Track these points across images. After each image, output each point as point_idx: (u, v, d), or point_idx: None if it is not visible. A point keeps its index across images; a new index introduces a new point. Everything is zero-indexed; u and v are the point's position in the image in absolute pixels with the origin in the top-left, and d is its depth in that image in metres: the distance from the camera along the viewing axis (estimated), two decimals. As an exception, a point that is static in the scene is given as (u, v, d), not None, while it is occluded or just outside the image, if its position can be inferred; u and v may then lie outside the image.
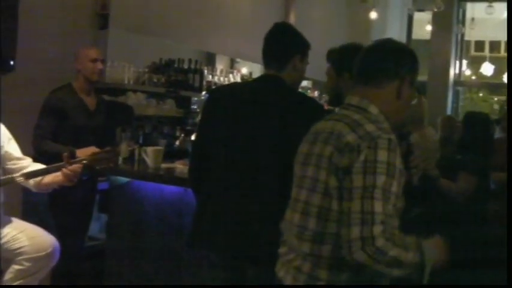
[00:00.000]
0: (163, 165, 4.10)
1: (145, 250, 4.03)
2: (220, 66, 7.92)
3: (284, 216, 2.16)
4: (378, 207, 1.79)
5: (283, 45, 2.76)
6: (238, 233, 2.58)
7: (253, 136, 2.61)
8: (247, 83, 3.36)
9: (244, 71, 8.25)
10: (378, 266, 1.78)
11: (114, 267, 4.22)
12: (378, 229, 1.76)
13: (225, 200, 2.64)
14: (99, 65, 4.32)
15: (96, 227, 4.90)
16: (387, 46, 2.15)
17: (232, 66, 8.60)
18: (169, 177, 3.90)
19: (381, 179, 1.81)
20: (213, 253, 2.79)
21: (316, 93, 8.74)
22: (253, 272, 2.64)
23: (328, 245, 1.93)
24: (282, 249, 2.15)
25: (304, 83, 8.17)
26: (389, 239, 1.76)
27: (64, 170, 3.32)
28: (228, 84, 4.92)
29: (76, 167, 3.33)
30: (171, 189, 3.82)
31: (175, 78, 6.18)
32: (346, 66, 2.79)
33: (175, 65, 6.35)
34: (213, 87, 6.13)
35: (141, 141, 5.33)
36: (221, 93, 2.94)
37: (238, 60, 8.71)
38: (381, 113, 2.03)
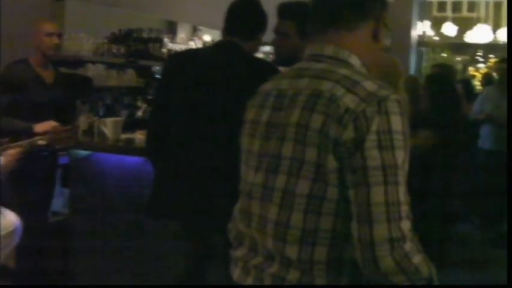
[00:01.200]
0: (123, 136, 4.05)
1: (108, 222, 3.99)
2: (182, 34, 7.82)
3: (239, 208, 1.68)
4: (402, 195, 1.36)
5: (254, 21, 2.79)
6: (198, 201, 2.56)
7: (212, 102, 2.58)
8: (205, 49, 3.32)
9: (207, 38, 8.17)
10: (399, 278, 1.35)
11: (78, 242, 4.18)
12: (406, 226, 1.35)
13: (184, 168, 2.62)
14: (55, 39, 4.26)
15: (59, 202, 4.85)
16: None
17: (194, 34, 8.49)
18: (129, 148, 3.86)
19: (400, 156, 1.37)
20: (174, 222, 2.77)
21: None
22: (216, 239, 2.63)
23: (323, 246, 1.43)
24: (238, 252, 1.66)
25: (267, 48, 8.13)
26: (413, 240, 1.37)
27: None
28: (186, 50, 4.87)
29: (13, 152, 3.27)
30: (132, 160, 3.77)
31: (135, 48, 6.10)
32: (301, 28, 2.77)
33: (135, 35, 6.26)
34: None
35: (102, 112, 5.25)
36: (178, 60, 2.91)
37: (200, 28, 8.61)
38: (363, 65, 1.60)
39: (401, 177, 1.37)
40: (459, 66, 24.75)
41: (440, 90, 4.58)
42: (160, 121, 2.75)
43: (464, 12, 24.59)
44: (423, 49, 14.78)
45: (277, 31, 2.84)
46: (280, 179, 1.49)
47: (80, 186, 4.22)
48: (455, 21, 17.79)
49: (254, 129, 1.63)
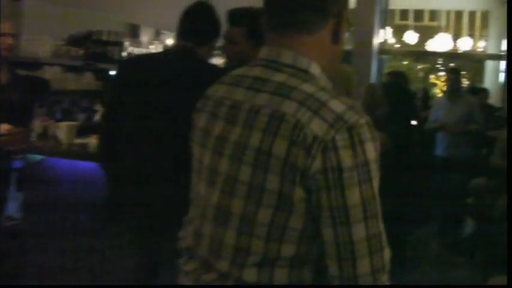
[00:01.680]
0: (77, 141, 3.99)
1: (62, 228, 3.94)
2: (145, 38, 7.78)
3: (190, 219, 1.62)
4: (381, 222, 1.31)
5: (208, 26, 2.77)
6: (151, 207, 2.54)
7: (165, 108, 2.56)
8: (159, 54, 3.30)
9: (171, 42, 8.14)
10: None
11: (32, 247, 4.11)
12: (387, 255, 1.33)
13: (137, 173, 2.60)
14: (8, 40, 4.19)
15: (14, 207, 4.76)
16: None
17: (158, 37, 8.46)
18: (83, 153, 3.81)
19: (377, 183, 1.32)
20: (128, 229, 2.74)
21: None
22: (169, 247, 2.61)
23: (283, 269, 1.36)
24: (188, 266, 1.56)
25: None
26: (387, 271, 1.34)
27: None
28: (139, 55, 4.84)
29: None
30: (86, 165, 3.73)
31: (94, 50, 6.03)
32: (263, 38, 2.79)
33: (94, 37, 6.20)
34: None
35: (59, 116, 5.18)
36: (131, 65, 2.88)
37: (164, 32, 8.58)
38: (322, 73, 1.45)
39: (378, 205, 1.31)
40: (420, 74, 25.24)
41: (395, 98, 4.65)
42: (113, 127, 2.72)
43: (426, 21, 24.99)
44: (384, 57, 14.97)
45: (226, 38, 2.84)
46: (237, 203, 1.38)
47: (33, 190, 4.15)
48: (417, 29, 18.07)
49: (205, 139, 1.51)
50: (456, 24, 25.05)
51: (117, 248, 3.13)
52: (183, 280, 1.56)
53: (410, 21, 23.64)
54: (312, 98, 1.31)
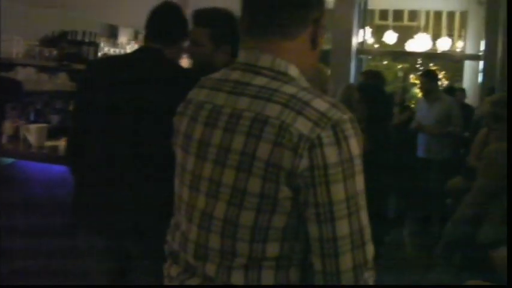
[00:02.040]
0: (48, 143, 3.92)
1: (35, 232, 3.86)
2: (124, 38, 7.70)
3: (175, 224, 1.62)
4: (365, 218, 1.34)
5: (176, 26, 2.73)
6: (119, 213, 2.49)
7: (132, 109, 2.51)
8: (126, 55, 3.24)
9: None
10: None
11: (5, 251, 4.04)
12: (370, 249, 1.36)
13: (104, 178, 2.54)
14: (-20, 41, 4.11)
15: (-15, 210, 4.67)
16: None
17: (136, 38, 8.37)
18: (53, 156, 3.73)
19: (361, 180, 1.34)
20: (95, 235, 2.68)
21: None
22: (137, 252, 2.56)
23: (270, 270, 1.38)
24: (172, 270, 1.58)
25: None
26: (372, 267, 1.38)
27: None
28: (107, 56, 4.79)
29: None
30: (57, 168, 3.66)
31: (68, 51, 5.94)
32: (228, 39, 2.75)
33: (69, 38, 6.11)
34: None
35: (32, 117, 5.08)
36: (98, 66, 2.82)
37: (143, 32, 8.48)
38: (301, 75, 1.46)
39: (363, 200, 1.34)
40: (400, 74, 25.35)
41: (371, 99, 4.63)
42: (80, 128, 2.66)
43: (406, 21, 25.08)
44: (363, 57, 15.01)
45: (191, 39, 2.80)
46: (220, 206, 1.39)
47: (6, 194, 4.07)
48: (396, 29, 18.11)
49: (187, 143, 1.51)
50: (435, 24, 25.17)
51: (86, 251, 3.08)
52: (169, 284, 1.58)
53: (390, 22, 23.72)
54: (294, 98, 1.34)
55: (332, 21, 13.08)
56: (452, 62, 19.96)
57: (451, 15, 24.08)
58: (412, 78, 23.17)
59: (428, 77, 6.97)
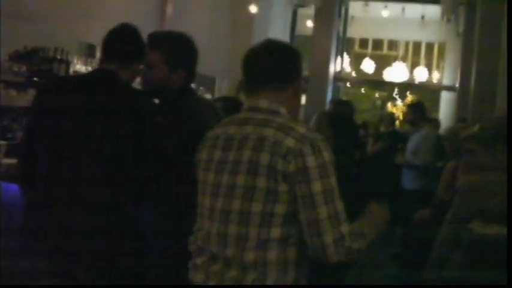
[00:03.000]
0: (6, 161, 3.84)
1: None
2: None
3: (199, 227, 2.11)
4: (340, 206, 1.93)
5: (132, 48, 2.68)
6: (65, 237, 2.42)
7: (84, 131, 2.45)
8: (81, 77, 3.18)
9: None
10: (348, 260, 1.94)
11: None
12: (345, 228, 1.92)
13: (55, 200, 2.46)
14: None
15: None
16: (287, 50, 2.22)
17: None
18: (8, 175, 3.64)
19: (334, 179, 1.94)
20: (44, 258, 2.59)
21: (192, 86, 8.62)
22: (84, 275, 2.48)
23: (274, 250, 1.94)
24: (198, 260, 2.08)
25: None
26: (350, 234, 1.93)
27: None
28: (61, 77, 4.73)
29: None
30: (14, 186, 3.57)
31: (38, 67, 5.84)
32: (183, 63, 2.71)
33: (41, 54, 6.02)
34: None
35: (-2, 133, 4.99)
36: (52, 87, 2.77)
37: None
38: (287, 113, 2.10)
39: (337, 193, 1.93)
40: (378, 102, 25.53)
41: (338, 127, 4.60)
42: (31, 151, 2.60)
43: (385, 50, 25.33)
44: (340, 84, 15.09)
45: (146, 62, 2.74)
46: (236, 202, 1.96)
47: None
48: (375, 58, 18.26)
49: (208, 165, 2.09)
50: (414, 54, 25.46)
51: (37, 274, 2.99)
52: (194, 273, 2.07)
53: (369, 50, 23.93)
54: (283, 125, 1.99)
55: (310, 48, 13.17)
56: (429, 92, 20.13)
57: (429, 46, 24.37)
58: (390, 106, 23.34)
59: (412, 108, 6.99)
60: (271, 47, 2.20)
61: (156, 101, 2.75)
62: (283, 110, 2.08)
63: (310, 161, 1.89)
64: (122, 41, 2.67)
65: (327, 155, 1.92)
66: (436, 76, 18.21)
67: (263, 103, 2.09)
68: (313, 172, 1.89)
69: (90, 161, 2.45)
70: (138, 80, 2.84)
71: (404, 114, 7.26)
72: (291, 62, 2.17)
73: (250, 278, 1.94)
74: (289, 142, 1.91)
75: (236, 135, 2.03)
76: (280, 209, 1.92)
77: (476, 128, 3.50)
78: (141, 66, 2.72)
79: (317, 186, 1.89)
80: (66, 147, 2.47)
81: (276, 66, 2.13)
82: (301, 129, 1.96)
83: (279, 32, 14.52)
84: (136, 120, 2.48)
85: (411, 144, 6.74)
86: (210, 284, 2.00)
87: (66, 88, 2.62)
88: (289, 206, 1.92)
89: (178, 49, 2.74)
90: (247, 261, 1.93)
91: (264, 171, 1.91)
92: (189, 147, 2.34)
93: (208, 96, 8.56)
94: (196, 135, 2.42)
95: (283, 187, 1.91)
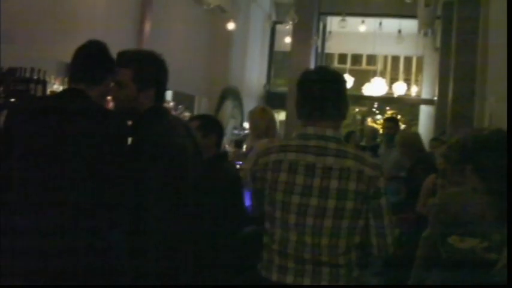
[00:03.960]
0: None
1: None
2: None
3: (284, 238, 2.47)
4: (392, 217, 2.50)
5: (100, 64, 2.63)
6: (37, 262, 2.37)
7: (54, 153, 2.41)
8: (49, 97, 3.10)
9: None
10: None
11: None
12: (395, 233, 2.53)
13: (23, 222, 2.41)
14: None
15: None
16: (343, 81, 2.57)
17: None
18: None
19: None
20: (13, 280, 2.52)
21: (171, 104, 8.57)
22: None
23: (354, 252, 2.46)
24: (288, 263, 2.47)
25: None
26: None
27: None
28: (30, 99, 4.66)
29: None
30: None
31: (15, 87, 5.79)
32: (152, 82, 2.66)
33: (17, 74, 5.96)
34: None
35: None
36: (20, 108, 2.72)
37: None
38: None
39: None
40: (358, 117, 25.67)
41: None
42: (1, 173, 2.54)
43: (364, 65, 25.55)
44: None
45: (115, 80, 2.70)
46: (327, 221, 2.38)
47: None
48: (354, 73, 18.39)
49: (290, 188, 2.43)
50: (393, 68, 25.69)
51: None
52: (281, 275, 2.48)
53: (348, 65, 24.10)
54: (358, 156, 2.44)
55: (289, 65, 13.22)
56: (408, 106, 20.30)
57: (408, 60, 24.61)
58: (370, 121, 23.47)
59: (393, 122, 7.01)
60: (332, 77, 2.52)
61: (129, 122, 2.69)
62: (341, 136, 2.58)
63: (381, 184, 2.42)
64: (90, 59, 2.63)
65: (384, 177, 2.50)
66: (414, 90, 18.38)
67: (329, 132, 2.45)
68: (382, 192, 2.43)
69: (60, 184, 2.40)
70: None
71: (384, 128, 7.27)
72: (346, 93, 2.55)
73: (341, 274, 2.44)
74: (368, 171, 2.39)
75: (317, 163, 2.41)
76: (361, 222, 2.43)
77: (444, 147, 3.53)
78: (112, 84, 2.68)
79: (382, 201, 2.43)
80: (35, 170, 2.43)
81: (339, 97, 2.49)
82: (368, 158, 2.48)
83: (258, 49, 14.60)
84: (106, 141, 2.45)
85: (393, 158, 6.73)
86: (305, 283, 2.44)
87: (32, 111, 2.55)
88: (364, 219, 2.44)
89: (147, 67, 2.69)
90: (340, 263, 2.43)
91: (351, 195, 2.38)
92: (159, 168, 2.34)
93: (187, 114, 8.51)
94: (166, 156, 2.42)
95: (364, 206, 2.41)
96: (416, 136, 6.36)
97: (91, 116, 2.51)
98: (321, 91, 2.45)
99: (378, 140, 8.93)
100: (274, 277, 2.48)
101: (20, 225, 2.42)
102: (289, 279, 2.45)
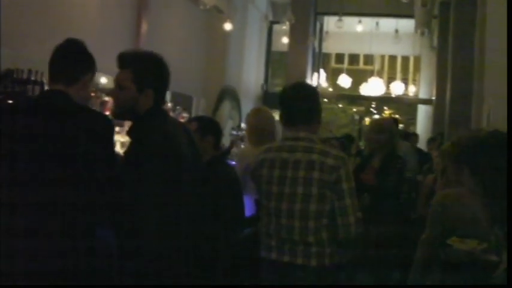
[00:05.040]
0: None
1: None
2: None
3: (266, 224, 2.94)
4: (356, 200, 2.89)
5: (77, 62, 2.60)
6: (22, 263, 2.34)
7: (35, 156, 2.37)
8: (31, 99, 3.00)
9: (104, 81, 7.90)
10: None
11: None
12: (359, 214, 2.91)
13: (9, 220, 2.37)
14: None
15: None
16: (316, 94, 3.10)
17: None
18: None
19: (353, 181, 2.90)
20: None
21: (169, 105, 8.55)
22: None
23: (325, 232, 2.83)
24: (272, 242, 2.91)
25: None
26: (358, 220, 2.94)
27: None
28: (8, 103, 4.60)
29: None
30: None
31: (12, 89, 5.77)
32: (151, 82, 2.63)
33: (15, 76, 5.95)
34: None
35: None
36: (1, 111, 2.69)
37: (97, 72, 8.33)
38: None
39: (355, 192, 2.88)
40: (356, 117, 25.67)
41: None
42: None
43: (361, 65, 25.54)
44: (318, 99, 15.12)
45: (115, 82, 2.66)
46: (297, 205, 2.82)
47: None
48: (352, 73, 18.39)
49: (270, 179, 2.90)
50: (390, 68, 25.70)
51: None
52: (267, 253, 2.91)
53: (346, 65, 24.09)
54: (323, 150, 2.86)
55: (286, 65, 13.22)
56: (406, 105, 20.30)
57: (405, 59, 24.63)
58: (367, 121, 23.46)
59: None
60: (304, 93, 3.03)
61: (127, 123, 2.66)
62: (315, 137, 2.97)
63: (342, 172, 2.81)
64: (66, 58, 2.59)
65: (348, 166, 2.90)
66: (412, 89, 18.38)
67: (303, 134, 2.92)
68: (344, 179, 2.82)
69: (39, 185, 2.36)
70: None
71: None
72: (318, 103, 3.08)
73: (313, 251, 2.83)
74: (330, 161, 2.81)
75: (289, 159, 2.88)
76: (326, 206, 2.82)
77: (447, 144, 3.53)
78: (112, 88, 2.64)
79: (344, 186, 2.82)
80: (18, 172, 2.38)
81: (309, 107, 2.98)
82: (333, 151, 2.93)
83: (255, 49, 14.59)
84: (89, 141, 2.41)
85: None
86: (285, 259, 2.86)
87: (12, 116, 2.50)
88: (330, 204, 2.83)
89: (146, 68, 2.66)
90: (309, 241, 2.83)
91: (316, 182, 2.80)
92: (156, 169, 2.34)
93: (185, 115, 8.49)
94: (163, 157, 2.42)
95: (328, 192, 2.81)
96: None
97: (71, 116, 2.46)
98: (294, 104, 2.98)
99: None
100: (262, 254, 2.95)
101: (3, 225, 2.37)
102: (273, 256, 2.90)
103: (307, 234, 2.85)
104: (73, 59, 2.60)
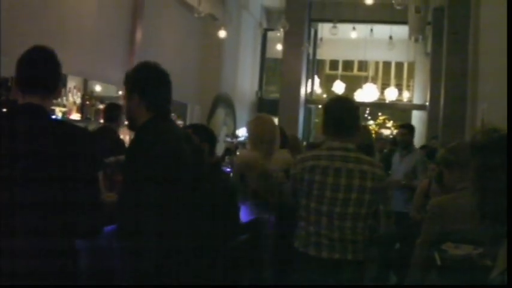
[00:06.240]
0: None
1: None
2: (72, 85, 7.55)
3: (318, 221, 3.17)
4: None
5: (54, 71, 2.40)
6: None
7: (12, 173, 2.21)
8: (5, 114, 2.72)
9: (98, 88, 7.91)
10: None
11: None
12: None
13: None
14: None
15: None
16: (356, 108, 3.41)
17: (86, 86, 8.21)
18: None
19: None
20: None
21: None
22: None
23: (368, 231, 3.24)
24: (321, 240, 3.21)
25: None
26: None
27: None
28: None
29: None
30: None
31: (6, 97, 5.76)
32: (135, 87, 2.65)
33: (9, 84, 5.94)
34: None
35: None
36: None
37: (91, 80, 8.36)
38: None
39: None
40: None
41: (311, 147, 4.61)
42: None
43: (355, 71, 25.57)
44: (312, 106, 15.16)
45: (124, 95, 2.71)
46: (351, 209, 3.13)
47: None
48: (346, 79, 18.41)
49: (323, 186, 3.14)
50: (384, 74, 25.74)
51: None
52: (315, 250, 3.18)
53: (340, 71, 24.13)
54: (370, 161, 3.26)
55: (281, 71, 13.23)
56: (400, 111, 20.33)
57: (399, 65, 24.67)
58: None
59: (408, 129, 6.81)
60: (350, 106, 3.35)
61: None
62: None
63: (385, 180, 3.59)
64: (40, 68, 2.39)
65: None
66: (406, 95, 18.41)
67: (351, 145, 3.22)
68: (388, 186, 3.33)
69: (18, 203, 2.20)
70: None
71: (400, 135, 6.92)
72: (359, 117, 3.48)
73: (359, 248, 3.19)
74: (378, 171, 3.22)
75: (342, 168, 3.15)
76: (372, 209, 3.28)
77: (442, 150, 3.56)
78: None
79: (389, 192, 3.36)
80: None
81: (355, 121, 3.33)
82: (377, 163, 3.42)
83: (249, 56, 14.61)
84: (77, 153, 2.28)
85: (406, 166, 6.54)
86: (336, 257, 3.16)
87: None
88: (375, 208, 3.41)
89: (132, 73, 2.68)
90: (359, 239, 3.18)
91: (369, 190, 3.15)
92: (150, 174, 2.37)
93: (180, 122, 8.51)
94: (158, 163, 2.47)
95: (375, 197, 3.24)
96: None
97: (52, 133, 2.32)
98: (343, 116, 3.25)
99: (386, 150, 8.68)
100: (312, 252, 3.18)
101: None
102: (324, 254, 3.16)
103: (357, 233, 3.18)
104: (50, 69, 2.41)
